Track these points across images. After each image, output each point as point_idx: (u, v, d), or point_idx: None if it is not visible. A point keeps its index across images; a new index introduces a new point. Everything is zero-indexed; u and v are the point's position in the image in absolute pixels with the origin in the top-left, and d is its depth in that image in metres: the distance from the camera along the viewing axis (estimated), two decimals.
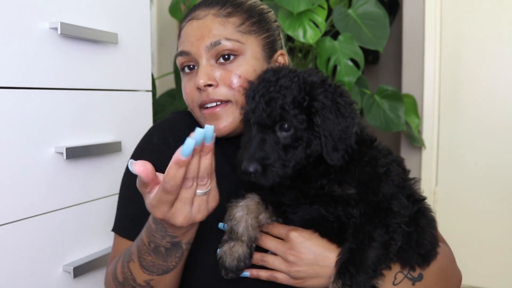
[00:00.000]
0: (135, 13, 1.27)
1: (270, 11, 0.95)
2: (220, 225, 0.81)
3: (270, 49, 0.90)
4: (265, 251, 0.80)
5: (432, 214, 0.83)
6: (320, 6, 2.05)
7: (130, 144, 1.25)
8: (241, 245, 0.76)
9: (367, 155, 0.75)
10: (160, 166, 0.83)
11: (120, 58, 1.21)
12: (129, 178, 0.92)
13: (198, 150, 0.61)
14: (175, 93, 2.10)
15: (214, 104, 0.85)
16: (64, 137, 1.06)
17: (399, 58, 2.83)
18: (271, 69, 0.77)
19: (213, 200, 0.68)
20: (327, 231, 0.77)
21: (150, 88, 1.33)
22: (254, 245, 0.78)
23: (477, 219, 2.60)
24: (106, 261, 1.15)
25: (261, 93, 0.71)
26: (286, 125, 0.70)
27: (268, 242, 0.79)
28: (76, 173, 1.09)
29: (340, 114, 0.70)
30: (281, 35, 0.97)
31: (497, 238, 2.54)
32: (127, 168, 0.94)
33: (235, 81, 0.84)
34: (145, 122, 1.31)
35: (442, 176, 2.70)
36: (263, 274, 0.79)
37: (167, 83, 2.28)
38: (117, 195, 1.20)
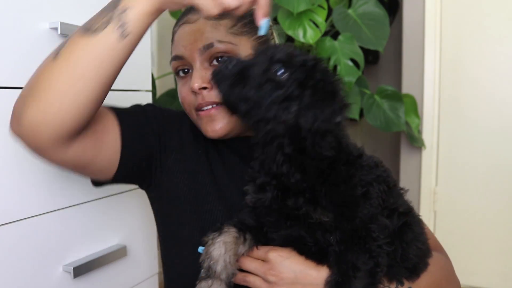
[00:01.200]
0: None
1: None
2: (200, 249, 0.78)
3: None
4: None
5: (419, 226, 0.80)
6: (320, 6, 2.05)
7: None
8: (219, 284, 0.73)
9: (346, 174, 0.72)
10: (164, 121, 0.92)
11: None
12: (146, 108, 0.95)
13: None
14: (175, 93, 2.10)
15: (210, 106, 0.86)
16: None
17: (399, 58, 2.84)
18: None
19: None
20: (306, 250, 0.75)
21: (150, 88, 1.33)
22: (232, 281, 0.76)
23: (477, 219, 2.60)
24: (106, 261, 1.15)
25: (280, 46, 0.74)
26: (282, 70, 0.69)
27: (247, 264, 0.78)
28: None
29: (334, 97, 0.68)
30: (275, 34, 0.97)
31: (497, 238, 2.54)
32: (153, 105, 0.98)
33: None
34: None
35: (442, 176, 2.70)
36: None
37: (167, 83, 2.28)
38: (117, 195, 1.21)
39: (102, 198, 1.17)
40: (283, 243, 0.76)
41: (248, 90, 0.68)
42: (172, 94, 2.17)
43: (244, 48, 0.87)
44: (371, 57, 3.00)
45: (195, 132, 0.94)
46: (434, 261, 0.83)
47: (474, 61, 2.59)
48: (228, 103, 0.72)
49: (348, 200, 0.71)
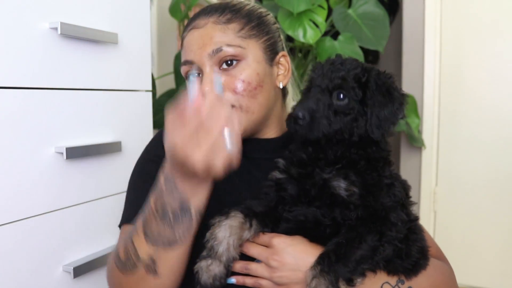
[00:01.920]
0: (135, 13, 1.27)
1: (268, 14, 0.96)
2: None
3: (271, 51, 0.91)
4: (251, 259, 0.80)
5: (421, 234, 0.83)
6: (320, 6, 2.05)
7: (130, 144, 1.25)
8: (218, 264, 0.75)
9: (379, 162, 0.77)
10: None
11: (120, 58, 1.21)
12: (140, 170, 0.93)
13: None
14: (175, 93, 2.10)
15: None
16: (64, 137, 1.06)
17: (399, 58, 2.84)
18: (338, 54, 0.82)
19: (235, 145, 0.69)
20: (318, 235, 0.77)
21: (150, 88, 1.33)
22: (231, 265, 0.77)
23: (477, 219, 2.60)
24: (106, 261, 1.15)
25: (328, 66, 0.78)
26: (342, 95, 0.75)
27: (252, 249, 0.79)
28: (76, 173, 1.09)
29: (390, 97, 0.76)
30: (282, 37, 0.97)
31: (497, 238, 2.54)
32: (137, 164, 0.95)
33: (239, 86, 0.85)
34: (145, 122, 1.31)
35: (442, 176, 2.70)
36: (248, 280, 0.79)
37: (167, 83, 2.28)
38: (117, 195, 1.21)
39: (102, 198, 1.17)
40: (296, 225, 0.78)
41: (324, 127, 0.75)
42: (172, 94, 2.16)
43: (253, 51, 0.88)
44: (371, 57, 3.00)
45: None
46: (435, 266, 0.83)
47: (474, 61, 2.59)
48: (317, 141, 0.77)
49: (375, 183, 0.75)
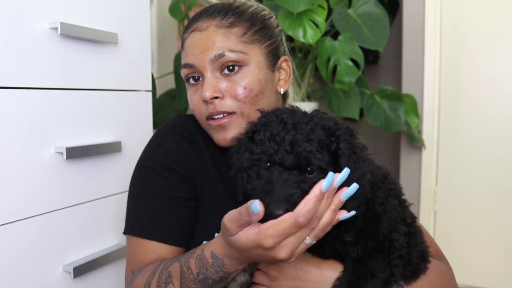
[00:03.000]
0: (135, 13, 1.27)
1: (272, 16, 0.94)
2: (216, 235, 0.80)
3: (273, 56, 0.90)
4: None
5: (420, 235, 0.82)
6: (320, 6, 2.05)
7: (130, 144, 1.25)
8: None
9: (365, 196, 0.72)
10: (176, 168, 0.89)
11: (120, 58, 1.21)
12: (142, 178, 0.91)
13: (330, 191, 0.62)
14: (175, 93, 2.10)
15: (221, 115, 0.86)
16: (64, 137, 1.06)
17: (399, 58, 2.84)
18: (284, 109, 0.73)
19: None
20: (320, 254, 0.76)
21: (150, 88, 1.33)
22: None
23: (477, 219, 2.60)
24: (106, 261, 1.15)
25: (281, 135, 0.66)
26: (311, 168, 0.66)
27: None
28: (76, 173, 1.09)
29: (358, 159, 0.68)
30: (283, 40, 0.96)
31: (497, 238, 2.54)
32: (137, 168, 0.93)
33: (241, 93, 0.85)
34: (145, 122, 1.31)
35: (442, 176, 2.70)
36: None
37: (167, 83, 2.28)
38: (117, 195, 1.21)
39: (102, 198, 1.17)
40: None
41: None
42: (172, 94, 2.16)
43: (255, 56, 0.87)
44: (371, 57, 3.00)
45: (195, 146, 0.92)
46: (434, 268, 0.83)
47: (474, 61, 2.59)
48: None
49: (371, 219, 0.72)
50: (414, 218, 0.82)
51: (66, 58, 1.06)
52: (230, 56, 0.84)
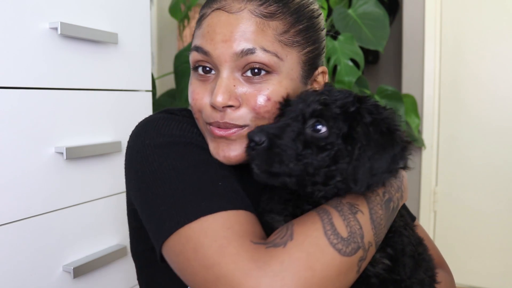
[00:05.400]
0: (135, 13, 1.27)
1: (320, 14, 0.74)
2: None
3: (310, 66, 0.71)
4: None
5: (427, 252, 0.75)
6: (320, 6, 2.04)
7: None
8: None
9: None
10: (204, 146, 0.70)
11: (120, 58, 1.21)
12: (197, 154, 0.68)
13: None
14: (175, 93, 2.10)
15: (229, 128, 0.67)
16: (64, 137, 1.06)
17: (399, 58, 2.84)
18: (328, 83, 0.67)
19: None
20: None
21: (150, 88, 1.33)
22: None
23: (477, 219, 2.60)
24: (106, 261, 1.15)
25: (309, 93, 0.61)
26: (320, 125, 0.58)
27: None
28: (76, 173, 1.09)
29: (390, 139, 0.57)
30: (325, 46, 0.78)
31: (497, 238, 2.54)
32: (168, 144, 0.68)
33: (262, 104, 0.65)
34: None
35: (442, 176, 2.70)
36: None
37: (167, 83, 2.28)
38: (117, 195, 1.21)
39: (102, 198, 1.17)
40: None
41: (287, 159, 0.56)
42: (172, 94, 2.16)
43: (290, 64, 0.67)
44: (371, 57, 3.00)
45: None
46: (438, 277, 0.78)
47: (474, 61, 2.59)
48: (273, 183, 0.60)
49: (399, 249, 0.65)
50: (413, 218, 0.80)
51: (66, 58, 1.06)
52: (261, 56, 0.64)
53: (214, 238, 0.58)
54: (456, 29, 2.61)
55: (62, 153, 1.03)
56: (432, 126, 2.67)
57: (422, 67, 2.68)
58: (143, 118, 0.76)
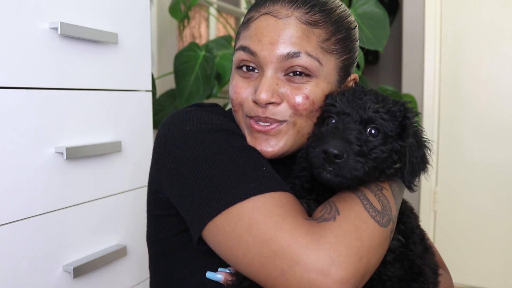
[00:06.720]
0: (135, 13, 1.27)
1: (356, 26, 0.82)
2: (208, 274, 0.72)
3: (345, 72, 0.79)
4: None
5: (434, 257, 0.80)
6: None
7: (130, 144, 1.25)
8: None
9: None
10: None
11: (120, 58, 1.21)
12: (239, 141, 0.74)
13: None
14: (175, 93, 2.10)
15: (269, 123, 0.74)
16: (64, 137, 1.06)
17: (399, 58, 2.84)
18: (359, 84, 0.75)
19: None
20: None
21: (150, 88, 1.33)
22: None
23: (477, 219, 2.60)
24: (106, 261, 1.15)
25: (356, 94, 0.68)
26: (375, 131, 0.66)
27: None
28: (76, 173, 1.09)
29: (420, 140, 0.71)
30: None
31: (497, 238, 2.54)
32: (229, 135, 0.73)
33: (301, 102, 0.72)
34: (145, 122, 1.31)
35: (442, 176, 2.70)
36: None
37: (167, 83, 2.28)
38: (117, 195, 1.21)
39: (102, 198, 1.17)
40: None
41: (359, 169, 0.63)
42: (172, 94, 2.16)
43: (328, 69, 0.74)
44: (371, 57, 3.00)
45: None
46: (440, 280, 0.80)
47: (474, 60, 2.59)
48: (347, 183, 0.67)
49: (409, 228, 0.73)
50: (424, 242, 0.80)
51: (66, 58, 1.06)
52: (305, 60, 0.71)
53: (268, 215, 0.62)
54: (456, 29, 2.61)
55: (62, 153, 1.03)
56: (432, 126, 2.67)
57: (422, 67, 2.68)
58: (174, 111, 0.80)
